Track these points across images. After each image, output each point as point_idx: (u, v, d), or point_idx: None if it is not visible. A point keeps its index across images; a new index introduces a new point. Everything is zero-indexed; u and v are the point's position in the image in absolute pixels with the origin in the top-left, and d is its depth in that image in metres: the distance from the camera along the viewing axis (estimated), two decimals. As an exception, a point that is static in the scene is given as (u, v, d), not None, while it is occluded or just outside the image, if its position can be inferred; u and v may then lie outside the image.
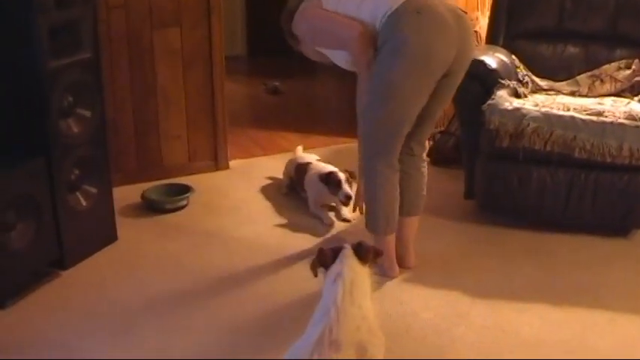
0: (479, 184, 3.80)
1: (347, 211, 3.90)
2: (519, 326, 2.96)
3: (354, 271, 2.33)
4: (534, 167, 3.66)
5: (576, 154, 3.57)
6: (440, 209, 3.96)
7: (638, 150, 3.50)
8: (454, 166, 4.49)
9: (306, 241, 3.69)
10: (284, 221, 3.94)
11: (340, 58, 3.22)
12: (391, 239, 3.26)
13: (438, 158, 4.74)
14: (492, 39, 4.45)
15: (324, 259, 2.42)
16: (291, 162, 4.34)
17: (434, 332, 2.92)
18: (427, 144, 3.40)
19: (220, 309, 3.09)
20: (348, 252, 2.40)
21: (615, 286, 3.28)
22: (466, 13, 3.06)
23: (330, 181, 3.83)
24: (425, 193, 3.36)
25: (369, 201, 3.23)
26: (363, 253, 2.41)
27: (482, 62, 3.85)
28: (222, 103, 4.55)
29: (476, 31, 4.52)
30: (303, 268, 3.38)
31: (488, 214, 3.83)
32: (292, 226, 3.87)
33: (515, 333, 2.91)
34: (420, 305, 3.11)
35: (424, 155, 3.36)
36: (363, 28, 3.00)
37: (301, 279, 3.30)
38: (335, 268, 2.37)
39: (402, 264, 3.35)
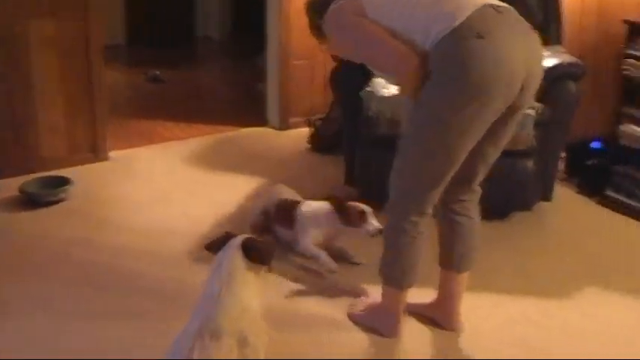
0: (358, 171, 3.86)
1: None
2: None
3: (234, 264, 2.31)
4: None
5: (456, 140, 3.67)
6: (320, 195, 3.98)
7: (519, 135, 3.59)
8: (336, 153, 4.56)
9: (195, 228, 3.69)
10: (171, 209, 3.94)
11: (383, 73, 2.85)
12: (403, 296, 2.81)
13: (320, 144, 4.82)
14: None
15: (214, 246, 2.41)
16: (263, 197, 3.79)
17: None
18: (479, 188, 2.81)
19: (110, 300, 3.07)
20: (234, 243, 2.36)
21: (497, 268, 3.40)
22: (535, 31, 2.55)
23: (348, 212, 3.32)
24: (479, 243, 2.87)
25: (387, 247, 2.75)
26: (249, 251, 2.33)
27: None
28: (101, 93, 4.49)
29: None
30: (193, 256, 3.42)
31: (367, 200, 3.89)
32: (181, 213, 3.89)
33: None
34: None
35: (477, 200, 2.82)
36: (419, 59, 2.46)
37: (189, 266, 3.33)
38: (218, 256, 2.37)
39: (446, 326, 2.92)
